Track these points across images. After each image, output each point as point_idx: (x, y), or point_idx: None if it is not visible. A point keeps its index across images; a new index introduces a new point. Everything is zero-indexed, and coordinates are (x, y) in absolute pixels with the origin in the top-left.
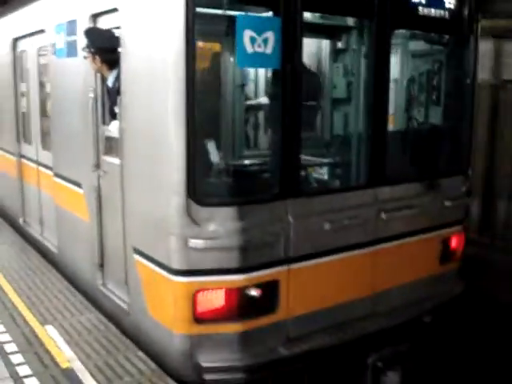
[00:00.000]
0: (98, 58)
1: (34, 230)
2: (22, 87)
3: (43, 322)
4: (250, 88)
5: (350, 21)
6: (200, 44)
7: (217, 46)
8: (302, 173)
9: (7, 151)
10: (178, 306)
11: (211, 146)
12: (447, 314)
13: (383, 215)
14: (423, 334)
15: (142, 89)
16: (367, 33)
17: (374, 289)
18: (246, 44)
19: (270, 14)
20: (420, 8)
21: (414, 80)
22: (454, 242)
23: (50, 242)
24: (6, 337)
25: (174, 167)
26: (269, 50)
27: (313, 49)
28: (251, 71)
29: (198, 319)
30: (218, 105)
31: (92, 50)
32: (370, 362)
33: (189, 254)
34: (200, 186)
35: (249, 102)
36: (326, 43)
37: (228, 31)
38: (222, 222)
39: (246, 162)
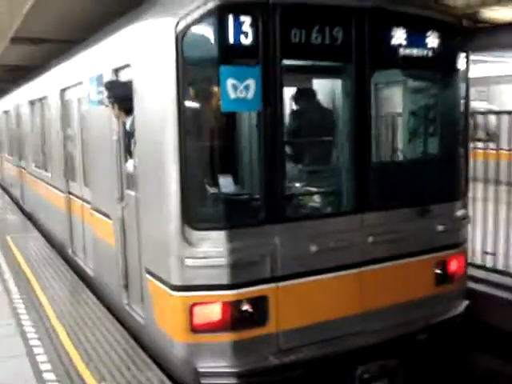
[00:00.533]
0: (116, 106)
1: (80, 259)
2: (68, 131)
3: (100, 379)
4: (236, 128)
5: (330, 63)
6: (190, 92)
7: (205, 94)
8: (288, 200)
9: (57, 188)
10: (177, 318)
11: (204, 181)
12: (443, 333)
13: (370, 239)
14: (417, 350)
15: (147, 132)
16: (347, 74)
17: (364, 307)
18: (229, 91)
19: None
20: (401, 49)
21: (407, 113)
22: (448, 265)
23: (90, 268)
24: None
25: (172, 199)
26: (250, 95)
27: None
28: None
29: (195, 329)
30: (207, 148)
31: (111, 99)
32: (357, 374)
33: (184, 271)
34: (193, 214)
35: (236, 142)
36: (312, 84)
37: (214, 80)
38: (213, 244)
39: (235, 192)
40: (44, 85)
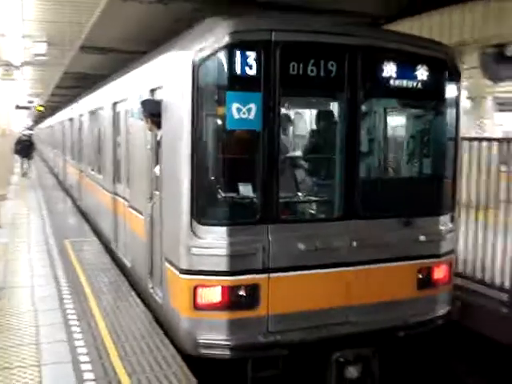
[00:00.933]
0: (149, 120)
1: (121, 252)
2: (117, 139)
3: None
4: (239, 142)
5: (324, 93)
6: (202, 112)
7: (214, 114)
8: (281, 205)
9: (106, 189)
10: (183, 296)
11: (210, 185)
12: (423, 333)
13: (354, 243)
14: (395, 344)
15: (169, 143)
16: (339, 102)
17: (346, 302)
18: (234, 113)
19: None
20: (390, 81)
21: (394, 136)
22: (431, 272)
23: (128, 260)
24: None
25: (184, 199)
26: (251, 117)
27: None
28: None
29: (197, 307)
30: (214, 160)
31: (146, 114)
32: (334, 358)
33: (191, 258)
34: (200, 212)
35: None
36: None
37: (222, 103)
38: (215, 237)
39: (236, 196)
40: (101, 97)
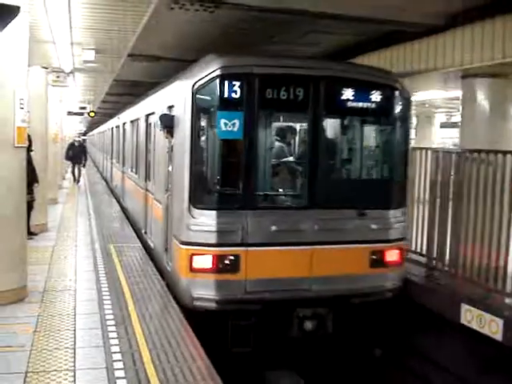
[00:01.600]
0: (165, 130)
1: (148, 237)
2: (148, 145)
3: None
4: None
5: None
6: (199, 126)
7: (208, 127)
8: (257, 196)
9: (141, 187)
10: (183, 262)
11: (204, 180)
12: (374, 302)
13: (316, 227)
14: (352, 309)
15: (177, 148)
16: (305, 119)
17: (310, 273)
18: (222, 126)
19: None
20: (347, 102)
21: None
22: (382, 254)
23: (152, 242)
24: None
25: (185, 190)
26: (236, 129)
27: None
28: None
29: (193, 270)
30: (207, 160)
31: (163, 126)
32: (296, 314)
33: (189, 233)
34: (196, 200)
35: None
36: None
37: (213, 119)
38: (207, 218)
39: (223, 188)
40: (138, 110)
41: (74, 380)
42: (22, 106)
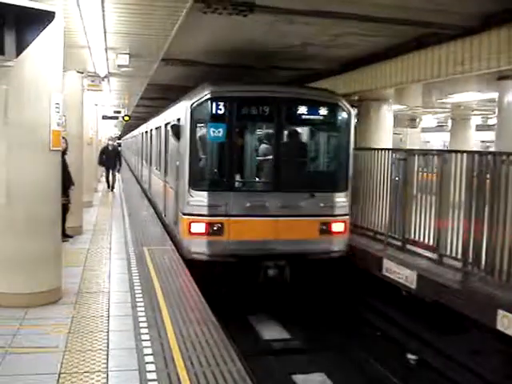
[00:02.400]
0: (175, 136)
1: (166, 217)
2: (167, 147)
3: None
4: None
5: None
6: (195, 132)
7: (201, 133)
8: (237, 182)
9: (161, 180)
10: (184, 228)
11: (199, 170)
12: (323, 260)
13: (279, 204)
14: (306, 263)
15: (181, 149)
16: (271, 127)
17: (275, 237)
18: (211, 133)
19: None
20: (302, 115)
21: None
22: (329, 225)
23: (168, 220)
24: None
25: (186, 177)
26: (220, 135)
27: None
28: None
29: (191, 233)
30: (200, 154)
31: (173, 133)
32: (263, 264)
33: (188, 207)
34: (193, 184)
35: (213, 154)
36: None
37: (205, 128)
38: (201, 197)
39: (212, 176)
40: (160, 120)
41: (107, 381)
42: (57, 109)
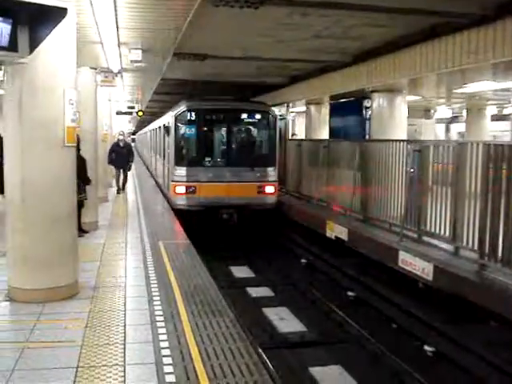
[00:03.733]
0: (167, 134)
1: (164, 190)
2: (163, 141)
3: None
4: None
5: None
6: (178, 131)
7: (182, 131)
8: (204, 161)
9: (162, 164)
10: (172, 189)
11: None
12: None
13: (229, 174)
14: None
15: (170, 142)
16: (224, 127)
17: (229, 195)
18: (186, 131)
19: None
20: (242, 119)
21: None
22: (263, 188)
23: (163, 188)
24: None
25: (172, 157)
26: (192, 133)
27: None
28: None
29: (175, 193)
30: (181, 144)
31: (166, 131)
32: (221, 212)
33: (174, 176)
34: (177, 162)
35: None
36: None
37: (183, 129)
38: (182, 170)
39: (189, 157)
40: (159, 122)
41: (124, 375)
42: (71, 106)
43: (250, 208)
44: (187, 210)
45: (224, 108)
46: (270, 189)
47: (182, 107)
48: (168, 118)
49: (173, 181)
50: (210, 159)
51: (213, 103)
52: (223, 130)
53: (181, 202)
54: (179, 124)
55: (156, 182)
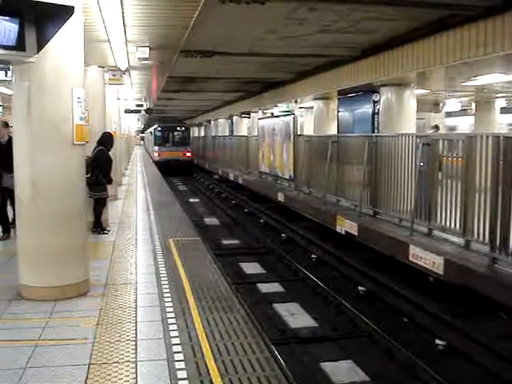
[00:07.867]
0: (153, 136)
1: (151, 155)
2: (151, 139)
3: None
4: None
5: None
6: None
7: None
8: (164, 147)
9: (150, 149)
10: (155, 155)
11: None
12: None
13: (173, 149)
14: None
15: (152, 136)
16: (171, 132)
17: (173, 156)
18: (159, 135)
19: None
20: (179, 131)
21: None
22: (184, 153)
23: (155, 158)
24: None
25: (154, 144)
26: (160, 135)
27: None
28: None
29: (158, 155)
30: (156, 140)
31: (152, 136)
32: (170, 163)
33: (156, 154)
34: (157, 144)
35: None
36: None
37: (157, 134)
38: (157, 148)
39: (159, 144)
40: (150, 129)
41: (136, 371)
42: (79, 104)
43: (180, 161)
44: (158, 161)
45: (171, 125)
46: (188, 154)
47: (156, 126)
48: (152, 129)
49: (154, 156)
50: (165, 145)
51: (167, 123)
52: (169, 134)
53: (158, 159)
54: (156, 132)
55: (148, 152)
